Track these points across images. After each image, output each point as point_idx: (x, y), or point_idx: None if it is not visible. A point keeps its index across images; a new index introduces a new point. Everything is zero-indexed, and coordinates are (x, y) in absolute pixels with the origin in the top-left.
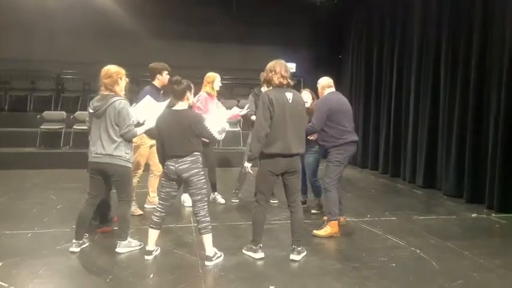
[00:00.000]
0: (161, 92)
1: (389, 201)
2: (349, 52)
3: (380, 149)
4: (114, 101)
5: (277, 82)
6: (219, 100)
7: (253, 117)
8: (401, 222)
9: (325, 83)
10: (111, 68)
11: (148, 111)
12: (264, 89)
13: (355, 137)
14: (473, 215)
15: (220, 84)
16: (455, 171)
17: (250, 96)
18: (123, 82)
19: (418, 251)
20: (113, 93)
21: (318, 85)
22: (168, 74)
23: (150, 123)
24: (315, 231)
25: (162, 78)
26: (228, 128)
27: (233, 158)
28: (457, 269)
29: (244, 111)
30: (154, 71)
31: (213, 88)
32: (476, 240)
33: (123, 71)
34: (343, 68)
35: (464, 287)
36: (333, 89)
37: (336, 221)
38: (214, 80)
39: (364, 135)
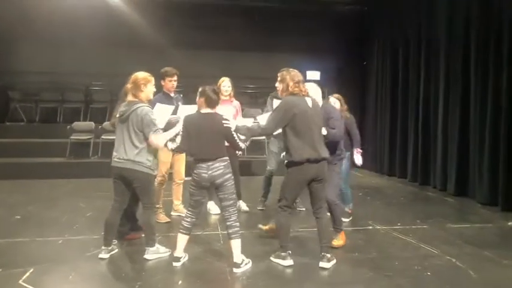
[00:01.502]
0: (172, 96)
1: (420, 209)
2: (374, 58)
3: (408, 156)
4: (136, 108)
5: (296, 90)
6: (242, 109)
7: (259, 118)
8: (434, 231)
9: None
10: (139, 75)
11: (164, 116)
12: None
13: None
14: (510, 223)
15: (228, 87)
16: (489, 179)
17: (268, 99)
18: (148, 89)
19: (453, 260)
20: (137, 100)
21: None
22: (172, 80)
23: (171, 133)
24: (334, 243)
25: (165, 84)
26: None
27: (257, 167)
28: (496, 279)
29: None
30: (161, 76)
31: (220, 92)
32: None
33: (150, 78)
34: (368, 74)
35: None
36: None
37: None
38: (220, 83)
39: (391, 142)
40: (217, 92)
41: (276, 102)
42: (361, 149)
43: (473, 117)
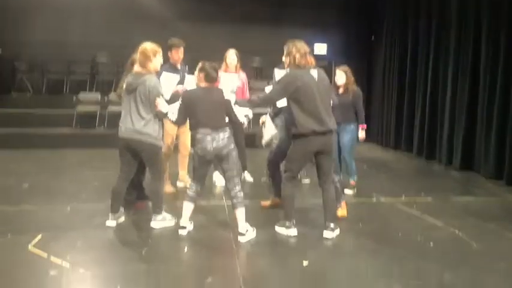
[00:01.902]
0: (178, 68)
1: (425, 182)
2: (383, 32)
3: (415, 130)
4: (145, 79)
5: (312, 63)
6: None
7: (267, 89)
8: (438, 203)
9: None
10: (147, 46)
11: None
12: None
13: None
14: None
15: (233, 59)
16: (496, 153)
17: (274, 71)
18: (156, 59)
19: (456, 232)
20: (145, 71)
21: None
22: (178, 51)
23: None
24: (339, 213)
25: (171, 55)
26: (251, 115)
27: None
28: (499, 250)
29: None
30: (168, 48)
31: (226, 63)
32: None
33: (158, 49)
34: (376, 48)
35: (507, 268)
36: None
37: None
38: (227, 55)
39: (398, 116)
40: (216, 69)
41: (278, 72)
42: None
43: (482, 91)
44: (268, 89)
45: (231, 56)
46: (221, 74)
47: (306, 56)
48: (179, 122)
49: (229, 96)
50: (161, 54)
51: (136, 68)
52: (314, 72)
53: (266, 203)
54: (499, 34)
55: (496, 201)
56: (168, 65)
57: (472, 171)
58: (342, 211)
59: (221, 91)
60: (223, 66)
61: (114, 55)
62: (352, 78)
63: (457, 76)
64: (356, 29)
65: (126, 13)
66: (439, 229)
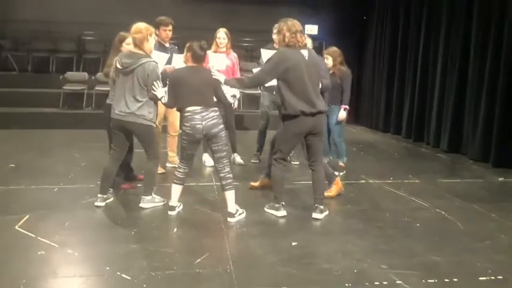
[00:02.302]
0: (166, 47)
1: (413, 165)
2: (375, 12)
3: (404, 112)
4: (144, 62)
5: (303, 42)
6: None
7: (255, 70)
8: (425, 185)
9: None
10: (141, 25)
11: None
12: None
13: None
14: (500, 179)
15: (223, 38)
16: (482, 136)
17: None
18: (152, 40)
19: (443, 212)
20: (142, 53)
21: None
22: (166, 29)
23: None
24: (326, 193)
25: (159, 33)
26: (238, 95)
27: (251, 120)
28: (484, 230)
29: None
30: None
31: (215, 43)
32: (503, 203)
33: (152, 29)
34: (367, 29)
35: (491, 248)
36: None
37: (337, 179)
38: (216, 35)
39: (387, 98)
40: (204, 48)
41: (264, 53)
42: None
43: (471, 74)
44: (256, 70)
45: (221, 35)
46: (210, 53)
47: (297, 35)
48: (170, 104)
49: (218, 76)
50: (153, 34)
51: (132, 48)
52: (305, 52)
53: (255, 183)
54: (490, 18)
55: (482, 183)
56: (156, 43)
57: (459, 154)
58: (333, 190)
59: (209, 71)
60: (214, 46)
61: (101, 33)
62: (339, 59)
63: (446, 59)
64: (347, 9)
65: None
66: (425, 210)
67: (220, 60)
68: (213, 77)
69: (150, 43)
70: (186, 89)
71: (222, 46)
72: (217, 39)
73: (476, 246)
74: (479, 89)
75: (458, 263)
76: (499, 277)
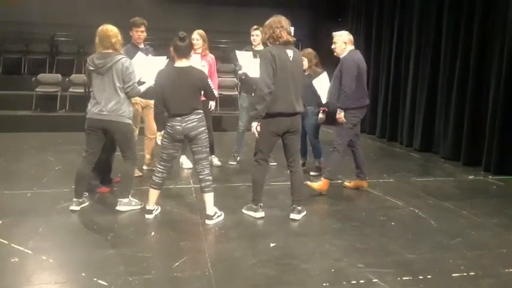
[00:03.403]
0: (140, 48)
1: (387, 164)
2: (349, 14)
3: (378, 113)
4: (120, 59)
5: (285, 38)
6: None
7: (240, 72)
8: (399, 184)
9: (348, 39)
10: (114, 28)
11: (142, 67)
12: (258, 48)
13: (369, 100)
14: (470, 177)
15: (197, 40)
16: (453, 135)
17: (236, 54)
18: (121, 40)
19: (416, 211)
20: (114, 51)
21: (340, 37)
22: (139, 30)
23: (150, 81)
24: (309, 183)
25: (132, 34)
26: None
27: (229, 122)
28: (455, 228)
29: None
30: (129, 28)
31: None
32: (473, 201)
33: (116, 29)
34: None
35: (462, 244)
36: (353, 46)
37: (328, 181)
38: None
39: None
40: (183, 38)
41: (239, 54)
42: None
43: (442, 76)
44: (241, 73)
45: (195, 36)
46: None
47: (280, 31)
48: (160, 111)
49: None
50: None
51: (100, 49)
52: (290, 52)
53: (350, 183)
54: (459, 15)
55: (453, 182)
56: (130, 45)
57: (431, 153)
58: (314, 184)
59: (195, 70)
60: None
61: (74, 34)
62: (314, 61)
63: (418, 60)
64: (323, 11)
65: None
66: (400, 209)
67: (194, 62)
68: (201, 74)
69: (121, 42)
70: (172, 93)
71: (197, 48)
72: (192, 41)
73: (449, 244)
74: (449, 90)
75: (432, 260)
76: (471, 273)
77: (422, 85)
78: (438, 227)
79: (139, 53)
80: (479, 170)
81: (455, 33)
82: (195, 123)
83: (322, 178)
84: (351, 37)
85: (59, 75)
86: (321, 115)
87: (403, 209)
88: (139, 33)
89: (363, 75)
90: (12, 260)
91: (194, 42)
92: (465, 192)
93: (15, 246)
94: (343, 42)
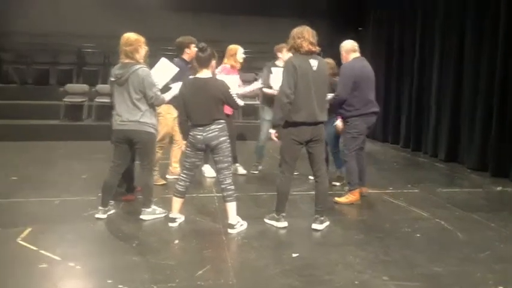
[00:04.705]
0: (189, 65)
1: (411, 174)
2: (369, 23)
3: (401, 123)
4: (137, 69)
5: (306, 49)
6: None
7: (266, 90)
8: (424, 195)
9: (350, 47)
10: (131, 36)
11: (165, 73)
12: (279, 62)
13: (376, 108)
14: (498, 189)
15: (244, 56)
16: (480, 145)
17: (264, 69)
18: (143, 50)
19: (442, 222)
20: (134, 61)
21: (341, 49)
22: (196, 47)
23: (176, 90)
24: (337, 198)
25: (191, 52)
26: (243, 91)
27: (251, 132)
28: (483, 240)
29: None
30: (182, 45)
31: (236, 60)
32: (502, 213)
33: (142, 39)
34: (363, 40)
35: (491, 257)
36: (358, 54)
37: (357, 190)
38: (236, 51)
39: (385, 109)
40: (203, 49)
41: (275, 71)
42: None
43: (466, 84)
44: (258, 83)
45: (241, 52)
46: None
47: (301, 41)
48: (182, 120)
49: (239, 101)
50: (145, 44)
51: (123, 58)
52: (314, 62)
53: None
54: (484, 24)
55: (480, 192)
56: (182, 61)
57: (457, 163)
58: (347, 198)
59: (216, 81)
60: (232, 63)
61: (101, 45)
62: (331, 71)
63: (442, 67)
64: (343, 20)
65: (113, 2)
66: (425, 220)
67: (233, 82)
68: (222, 85)
69: (141, 53)
70: (195, 104)
71: (241, 62)
72: (237, 57)
73: (477, 257)
74: (475, 99)
75: (459, 273)
76: (499, 287)
77: (446, 93)
78: (465, 240)
79: (162, 58)
80: (507, 181)
81: (479, 40)
82: (216, 133)
83: (348, 192)
84: (355, 45)
85: (86, 85)
86: (338, 122)
87: (429, 220)
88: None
89: (365, 83)
90: (40, 266)
91: (243, 56)
92: (493, 203)
93: (44, 252)
94: (344, 51)
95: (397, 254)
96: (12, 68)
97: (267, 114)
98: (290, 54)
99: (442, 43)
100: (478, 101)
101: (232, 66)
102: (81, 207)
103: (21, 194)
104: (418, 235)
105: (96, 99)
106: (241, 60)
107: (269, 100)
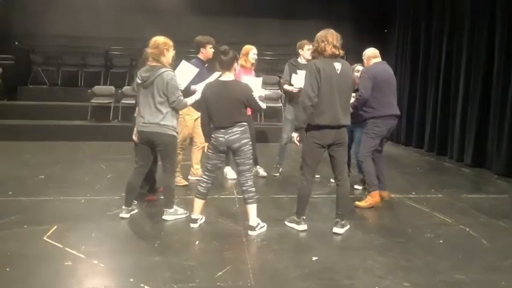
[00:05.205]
0: (206, 65)
1: (436, 179)
2: (395, 25)
3: (426, 126)
4: (162, 72)
5: (330, 52)
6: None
7: (286, 86)
8: (448, 200)
9: (371, 54)
10: (159, 39)
11: (186, 75)
12: (301, 59)
13: (397, 111)
14: None
15: (255, 57)
16: (507, 150)
17: (286, 66)
18: (170, 53)
19: (467, 229)
20: (160, 65)
21: (363, 56)
22: (213, 48)
23: (198, 94)
24: (357, 203)
25: (206, 52)
26: (264, 93)
27: (273, 134)
28: (509, 248)
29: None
30: (198, 44)
31: (246, 60)
32: None
33: (170, 43)
34: (388, 42)
35: None
36: (379, 59)
37: (376, 191)
38: (248, 52)
39: (409, 112)
40: (225, 52)
41: (300, 73)
42: None
43: (494, 88)
44: (296, 81)
45: (254, 53)
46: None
47: (325, 46)
48: (204, 122)
49: (262, 105)
50: (173, 47)
51: (150, 61)
52: (338, 65)
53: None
54: None
55: (507, 199)
56: (198, 61)
57: (483, 168)
58: (367, 201)
59: (239, 84)
60: (243, 63)
61: (127, 48)
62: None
63: (469, 72)
64: (368, 23)
65: (139, 6)
66: (449, 226)
67: (256, 83)
68: (245, 88)
69: (168, 56)
70: (217, 107)
71: (253, 63)
72: (248, 57)
73: (502, 265)
74: (502, 103)
75: (484, 282)
76: None
77: (473, 97)
78: (491, 247)
79: (183, 61)
80: None
81: (508, 44)
82: (238, 135)
83: (367, 195)
84: (376, 52)
85: (113, 87)
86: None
87: (453, 226)
88: (213, 50)
89: (385, 85)
90: (65, 263)
91: (255, 57)
92: None
93: (69, 250)
94: (366, 58)
95: (419, 260)
96: (42, 70)
97: (289, 113)
98: (310, 47)
99: (470, 45)
100: (506, 105)
101: (243, 67)
102: (105, 206)
103: (48, 193)
104: (441, 241)
105: (123, 101)
106: (252, 61)
107: (290, 98)
